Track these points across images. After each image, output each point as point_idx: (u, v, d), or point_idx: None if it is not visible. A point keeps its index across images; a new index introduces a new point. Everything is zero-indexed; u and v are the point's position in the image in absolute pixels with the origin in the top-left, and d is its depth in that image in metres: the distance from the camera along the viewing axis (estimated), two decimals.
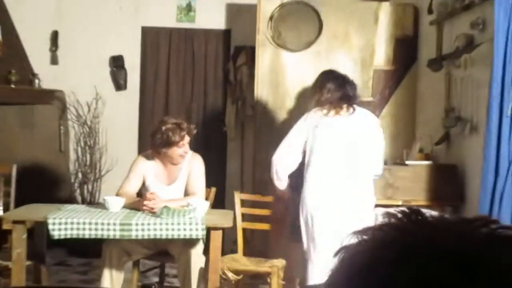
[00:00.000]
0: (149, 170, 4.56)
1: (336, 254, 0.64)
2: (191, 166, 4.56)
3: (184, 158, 4.50)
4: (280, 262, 4.51)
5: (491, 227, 0.59)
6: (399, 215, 0.62)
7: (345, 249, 0.63)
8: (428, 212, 0.63)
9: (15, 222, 4.06)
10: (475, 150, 4.57)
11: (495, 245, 0.58)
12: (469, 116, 4.88)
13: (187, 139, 4.44)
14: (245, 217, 4.92)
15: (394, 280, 0.57)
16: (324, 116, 4.31)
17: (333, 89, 4.48)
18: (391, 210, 4.42)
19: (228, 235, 5.36)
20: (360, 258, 0.61)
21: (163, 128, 4.41)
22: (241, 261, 4.59)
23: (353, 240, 0.63)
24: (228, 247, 5.48)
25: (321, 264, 4.02)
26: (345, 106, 4.35)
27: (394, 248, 0.59)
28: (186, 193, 4.53)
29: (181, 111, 6.82)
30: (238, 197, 4.77)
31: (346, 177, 4.20)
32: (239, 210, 4.72)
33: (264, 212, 4.81)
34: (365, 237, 0.63)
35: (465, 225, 0.61)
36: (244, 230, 4.91)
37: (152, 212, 4.17)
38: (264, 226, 4.81)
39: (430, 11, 5.60)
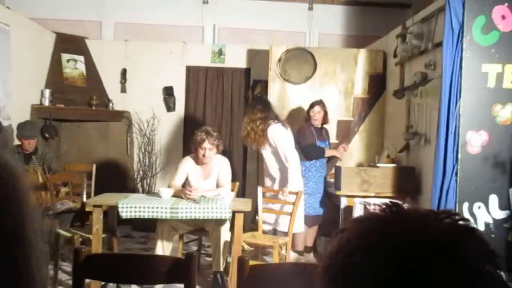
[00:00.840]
0: (191, 169, 4.56)
1: (334, 236, 0.62)
2: (221, 166, 4.55)
3: (207, 160, 4.44)
4: (282, 239, 4.49)
5: (453, 219, 0.58)
6: (383, 207, 0.61)
7: (339, 233, 0.62)
8: (405, 205, 0.61)
9: (95, 206, 4.08)
10: (428, 156, 4.55)
11: (456, 234, 0.57)
12: (423, 131, 4.86)
13: (209, 146, 4.38)
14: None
15: (368, 264, 0.55)
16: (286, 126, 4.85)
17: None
18: (376, 202, 4.40)
19: (249, 217, 5.35)
20: (347, 245, 0.59)
21: (198, 131, 4.48)
22: (258, 237, 4.57)
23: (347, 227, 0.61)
24: (247, 226, 5.48)
25: None
26: None
27: (372, 236, 0.57)
28: (217, 185, 4.53)
29: (214, 127, 6.83)
30: (260, 190, 4.76)
31: None
32: (261, 199, 4.70)
33: (276, 201, 4.79)
34: (354, 225, 0.61)
35: (433, 216, 0.59)
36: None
37: (193, 200, 4.18)
38: (279, 212, 4.77)
39: (395, 55, 5.59)
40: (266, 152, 4.88)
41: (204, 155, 4.41)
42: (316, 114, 5.28)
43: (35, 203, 0.56)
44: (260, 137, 4.77)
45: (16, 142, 5.17)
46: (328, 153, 5.29)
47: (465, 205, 3.75)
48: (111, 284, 4.00)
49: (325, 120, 5.37)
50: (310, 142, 5.18)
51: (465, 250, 0.55)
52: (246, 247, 4.56)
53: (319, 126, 5.37)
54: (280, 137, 4.74)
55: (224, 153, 4.79)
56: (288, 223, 4.48)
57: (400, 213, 0.60)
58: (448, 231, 0.57)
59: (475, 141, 3.76)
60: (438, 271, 0.52)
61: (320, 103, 5.34)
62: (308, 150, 5.14)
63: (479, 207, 3.72)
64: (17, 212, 0.53)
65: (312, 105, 5.34)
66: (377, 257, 0.55)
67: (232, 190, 4.62)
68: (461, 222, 0.58)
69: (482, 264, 0.55)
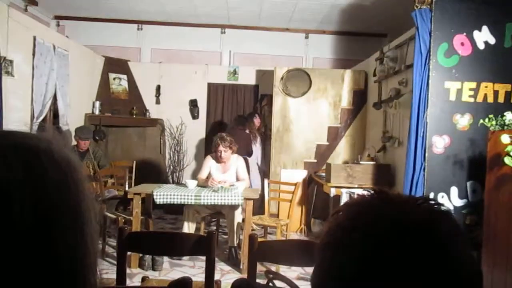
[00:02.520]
0: (212, 164, 4.56)
1: (331, 216, 0.59)
2: (237, 163, 4.55)
3: (224, 159, 4.44)
4: (284, 222, 4.48)
5: (430, 203, 0.55)
6: (371, 192, 0.58)
7: (335, 214, 0.58)
8: (391, 192, 0.58)
9: (135, 194, 4.09)
10: (400, 156, 4.51)
11: (434, 216, 0.54)
12: (397, 135, 4.83)
13: (224, 148, 4.37)
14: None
15: (354, 242, 0.52)
16: None
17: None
18: (359, 191, 4.39)
19: (258, 203, 5.34)
20: (339, 225, 0.56)
21: (215, 137, 4.50)
22: (264, 219, 4.56)
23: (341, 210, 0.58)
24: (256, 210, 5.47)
25: None
26: None
27: (361, 218, 0.54)
28: (238, 179, 4.50)
29: (230, 133, 6.83)
30: (266, 182, 4.75)
31: None
32: (267, 190, 4.69)
33: (278, 190, 4.79)
34: (346, 208, 0.58)
35: (412, 201, 0.56)
36: (268, 201, 4.91)
37: (213, 189, 4.18)
38: (281, 199, 4.78)
39: (374, 75, 5.56)
40: None
41: (221, 156, 4.42)
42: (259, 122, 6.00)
43: (89, 189, 0.55)
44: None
45: (73, 143, 5.19)
46: None
47: (431, 195, 3.70)
48: (147, 256, 4.01)
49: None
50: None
51: (440, 230, 0.52)
52: (255, 227, 4.54)
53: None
54: None
55: (239, 153, 4.77)
56: None
57: (384, 198, 0.57)
58: (425, 213, 0.54)
59: (439, 143, 3.72)
60: (415, 248, 0.50)
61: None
62: None
63: (442, 197, 3.68)
64: (75, 193, 0.53)
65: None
66: (363, 236, 0.52)
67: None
68: (436, 206, 0.56)
69: (456, 242, 0.52)
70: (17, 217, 0.46)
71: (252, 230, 4.29)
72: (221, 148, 4.37)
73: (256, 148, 5.87)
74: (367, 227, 0.52)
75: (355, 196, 0.59)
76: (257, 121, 5.91)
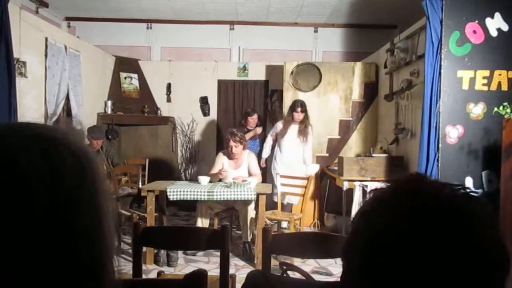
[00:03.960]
0: (225, 160, 4.57)
1: (369, 194, 0.62)
2: (249, 159, 4.56)
3: (236, 155, 4.45)
4: (296, 216, 4.46)
5: (466, 190, 0.57)
6: (408, 178, 0.60)
7: (374, 191, 0.61)
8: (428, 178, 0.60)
9: (148, 191, 4.11)
10: (413, 147, 4.47)
11: (471, 201, 0.56)
12: (409, 127, 4.78)
13: (234, 144, 4.39)
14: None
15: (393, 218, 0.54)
16: None
17: None
18: (373, 185, 4.32)
19: (270, 198, 5.34)
20: (376, 199, 0.59)
21: (226, 133, 4.55)
22: (277, 214, 4.56)
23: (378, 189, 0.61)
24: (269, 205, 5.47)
25: None
26: None
27: (398, 194, 0.57)
28: (250, 174, 4.51)
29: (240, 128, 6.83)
30: (279, 177, 4.74)
31: None
32: (279, 184, 4.68)
33: (291, 185, 4.78)
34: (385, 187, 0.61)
35: (449, 186, 0.57)
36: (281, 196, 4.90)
37: (225, 185, 4.19)
38: (292, 193, 4.76)
39: (385, 66, 5.50)
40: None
41: (232, 151, 4.43)
42: (254, 120, 5.75)
43: (106, 181, 0.56)
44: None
45: (86, 142, 5.25)
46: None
47: None
48: (162, 252, 4.03)
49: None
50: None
51: (481, 214, 0.54)
52: (268, 222, 4.54)
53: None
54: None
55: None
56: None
57: (424, 182, 0.59)
58: (466, 198, 0.56)
59: (452, 133, 3.67)
60: (447, 228, 0.52)
61: (255, 111, 5.90)
62: None
63: None
64: (92, 183, 0.53)
65: (248, 113, 5.77)
66: (401, 214, 0.54)
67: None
68: (471, 192, 0.57)
69: (488, 227, 0.54)
70: (36, 204, 0.47)
71: (266, 225, 4.28)
72: (231, 143, 4.39)
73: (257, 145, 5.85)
74: (404, 199, 0.55)
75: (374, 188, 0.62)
76: (251, 119, 5.79)
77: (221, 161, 4.57)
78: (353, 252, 0.58)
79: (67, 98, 5.12)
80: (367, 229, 0.56)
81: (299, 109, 5.13)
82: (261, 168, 4.88)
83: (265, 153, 5.49)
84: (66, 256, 0.48)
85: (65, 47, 5.07)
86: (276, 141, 5.39)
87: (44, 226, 0.47)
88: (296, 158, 5.20)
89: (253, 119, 5.77)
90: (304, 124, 5.14)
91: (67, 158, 0.51)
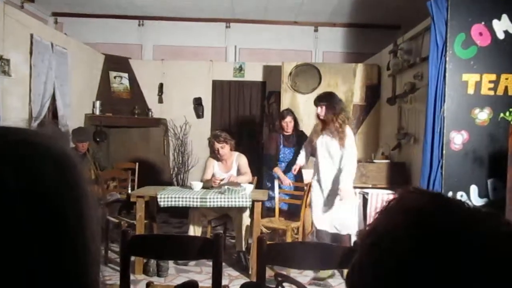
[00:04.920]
0: (215, 165, 4.58)
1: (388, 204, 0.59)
2: (239, 161, 4.56)
3: (223, 156, 4.46)
4: (294, 224, 4.45)
5: (508, 226, 0.51)
6: (426, 199, 0.55)
7: (384, 213, 0.58)
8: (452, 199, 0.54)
9: (138, 197, 4.10)
10: (416, 153, 4.49)
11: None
12: (412, 132, 4.80)
13: (220, 145, 4.39)
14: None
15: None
16: None
17: None
18: (373, 192, 4.12)
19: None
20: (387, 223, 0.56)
21: (209, 138, 4.60)
22: (275, 222, 4.55)
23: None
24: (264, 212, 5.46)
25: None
26: None
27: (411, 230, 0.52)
28: (239, 174, 4.51)
29: (235, 131, 6.84)
30: (276, 183, 4.73)
31: None
32: (277, 190, 4.67)
33: (288, 191, 4.77)
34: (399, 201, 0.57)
35: (492, 220, 0.51)
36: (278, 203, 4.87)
37: (219, 191, 4.19)
38: (291, 201, 4.75)
39: (388, 68, 5.54)
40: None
41: (219, 153, 4.45)
42: (288, 124, 4.75)
43: (90, 187, 0.56)
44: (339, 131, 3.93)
45: (71, 145, 5.23)
46: (275, 171, 4.72)
47: (450, 194, 3.68)
48: (152, 262, 4.02)
49: (296, 128, 4.83)
50: (269, 152, 4.86)
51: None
52: (264, 230, 4.53)
53: (290, 134, 4.82)
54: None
55: (244, 152, 4.78)
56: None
57: (445, 208, 0.54)
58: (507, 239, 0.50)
59: (457, 139, 3.70)
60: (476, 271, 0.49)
61: (290, 113, 4.84)
62: (265, 159, 4.99)
63: (461, 196, 3.66)
64: (74, 189, 0.53)
65: (283, 116, 4.81)
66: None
67: (251, 183, 4.60)
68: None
69: None
70: (15, 213, 0.47)
71: (261, 233, 4.27)
72: (216, 145, 4.42)
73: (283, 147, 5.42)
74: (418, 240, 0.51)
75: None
76: (284, 123, 4.82)
77: (212, 165, 4.58)
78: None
79: (53, 98, 5.11)
80: (379, 267, 0.53)
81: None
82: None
83: (301, 160, 4.38)
84: (47, 267, 0.48)
85: (52, 44, 5.06)
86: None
87: (24, 237, 0.47)
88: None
89: (286, 123, 4.77)
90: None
91: (48, 165, 0.51)
